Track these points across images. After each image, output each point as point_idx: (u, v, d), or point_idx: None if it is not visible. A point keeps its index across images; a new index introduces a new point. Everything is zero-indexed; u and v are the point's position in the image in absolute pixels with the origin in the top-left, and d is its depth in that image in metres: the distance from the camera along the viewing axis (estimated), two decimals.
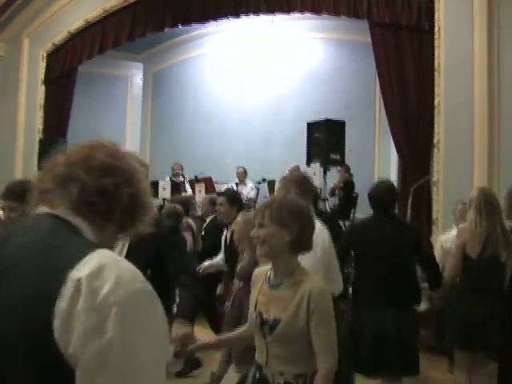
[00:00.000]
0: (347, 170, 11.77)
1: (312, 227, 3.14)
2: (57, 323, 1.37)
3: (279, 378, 2.95)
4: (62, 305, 1.37)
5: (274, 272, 3.09)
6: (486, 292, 5.26)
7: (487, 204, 5.38)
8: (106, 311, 1.36)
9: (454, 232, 7.54)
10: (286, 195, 3.90)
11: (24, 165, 13.90)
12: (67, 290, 1.38)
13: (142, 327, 1.42)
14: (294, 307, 2.93)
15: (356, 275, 5.53)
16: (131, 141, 18.30)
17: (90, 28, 13.71)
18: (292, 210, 3.04)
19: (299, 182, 4.72)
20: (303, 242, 3.05)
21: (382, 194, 5.35)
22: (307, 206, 3.27)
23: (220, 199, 7.23)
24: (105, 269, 1.42)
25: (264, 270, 3.21)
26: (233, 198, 7.19)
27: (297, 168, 12.16)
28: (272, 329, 2.97)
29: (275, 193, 5.40)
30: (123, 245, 3.73)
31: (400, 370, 5.09)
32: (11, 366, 1.40)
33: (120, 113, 18.58)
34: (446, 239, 7.77)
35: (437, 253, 6.83)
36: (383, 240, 5.19)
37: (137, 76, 19.12)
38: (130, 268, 1.49)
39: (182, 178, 13.44)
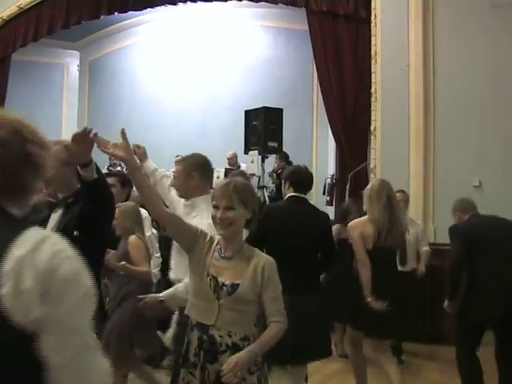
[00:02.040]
0: (284, 157, 11.77)
1: None
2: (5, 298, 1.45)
3: (227, 338, 3.21)
4: (5, 281, 1.45)
5: (224, 246, 3.34)
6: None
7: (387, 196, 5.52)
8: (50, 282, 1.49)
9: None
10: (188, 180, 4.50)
11: None
12: (8, 267, 1.46)
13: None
14: (251, 274, 3.26)
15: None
16: (68, 130, 17.93)
17: (23, 15, 13.31)
18: (252, 192, 3.47)
19: (202, 166, 4.81)
20: (255, 218, 3.42)
21: (309, 178, 5.29)
22: None
23: (111, 180, 6.40)
24: (43, 244, 1.52)
25: (210, 240, 3.40)
26: (125, 179, 6.54)
27: (235, 156, 12.16)
28: (230, 292, 3.23)
29: (173, 175, 5.07)
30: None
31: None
32: None
33: (56, 102, 18.23)
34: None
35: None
36: (306, 225, 5.02)
37: (73, 64, 18.77)
38: (63, 242, 1.61)
39: (119, 168, 13.24)
